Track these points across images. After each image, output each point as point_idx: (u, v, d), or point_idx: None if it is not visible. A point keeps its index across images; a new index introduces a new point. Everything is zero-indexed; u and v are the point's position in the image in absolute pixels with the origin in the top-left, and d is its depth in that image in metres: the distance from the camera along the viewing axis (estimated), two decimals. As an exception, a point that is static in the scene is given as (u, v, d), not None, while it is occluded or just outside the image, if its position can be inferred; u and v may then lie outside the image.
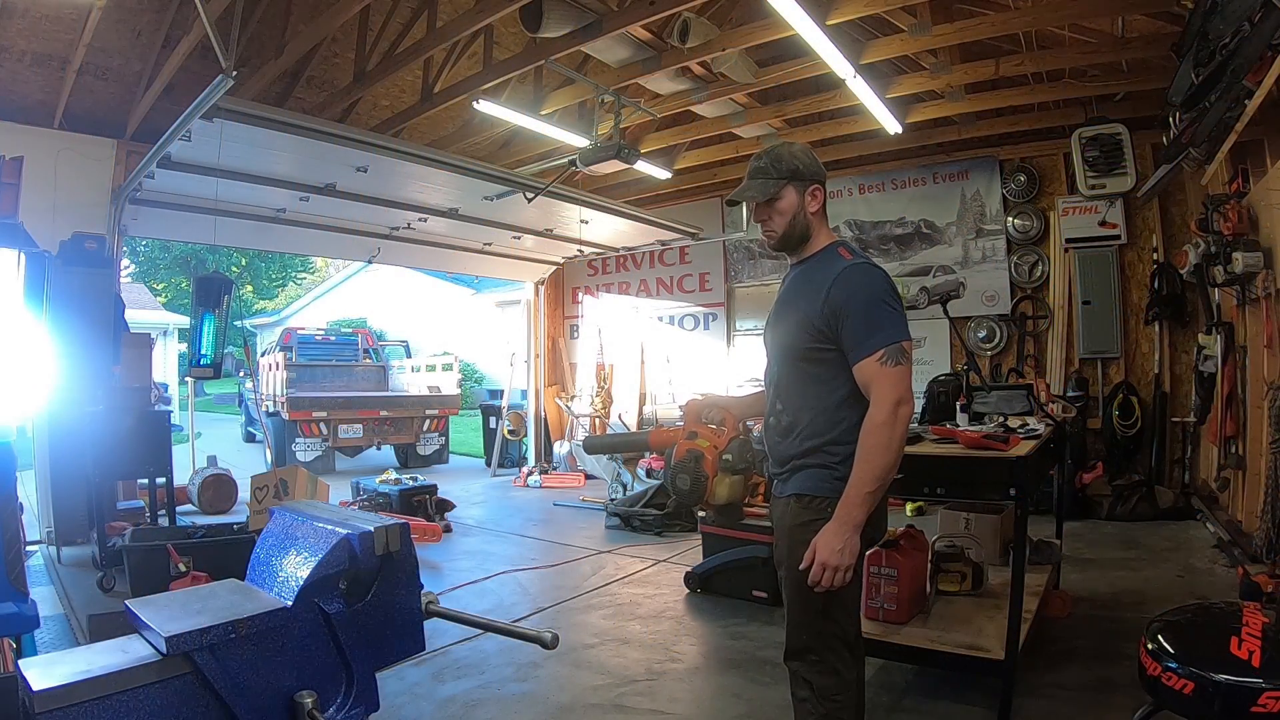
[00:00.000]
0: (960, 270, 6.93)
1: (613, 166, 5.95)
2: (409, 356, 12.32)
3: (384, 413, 9.58)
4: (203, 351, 5.43)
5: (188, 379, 11.44)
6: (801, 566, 1.72)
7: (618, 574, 4.63)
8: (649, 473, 6.81)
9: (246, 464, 8.39)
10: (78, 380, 4.93)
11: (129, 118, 5.70)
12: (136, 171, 5.11)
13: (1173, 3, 4.12)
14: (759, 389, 2.19)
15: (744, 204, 2.00)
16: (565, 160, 6.27)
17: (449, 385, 10.27)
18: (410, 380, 11.04)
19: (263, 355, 11.14)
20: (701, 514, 4.22)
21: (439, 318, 18.36)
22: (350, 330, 14.37)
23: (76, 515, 4.99)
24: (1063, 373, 6.49)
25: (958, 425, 3.02)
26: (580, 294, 9.73)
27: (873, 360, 1.72)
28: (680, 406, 2.34)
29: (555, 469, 8.72)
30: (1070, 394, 6.16)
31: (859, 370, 1.75)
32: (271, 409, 9.46)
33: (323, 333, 13.51)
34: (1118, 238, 6.25)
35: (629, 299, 9.29)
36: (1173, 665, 1.65)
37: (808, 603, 1.76)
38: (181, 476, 6.15)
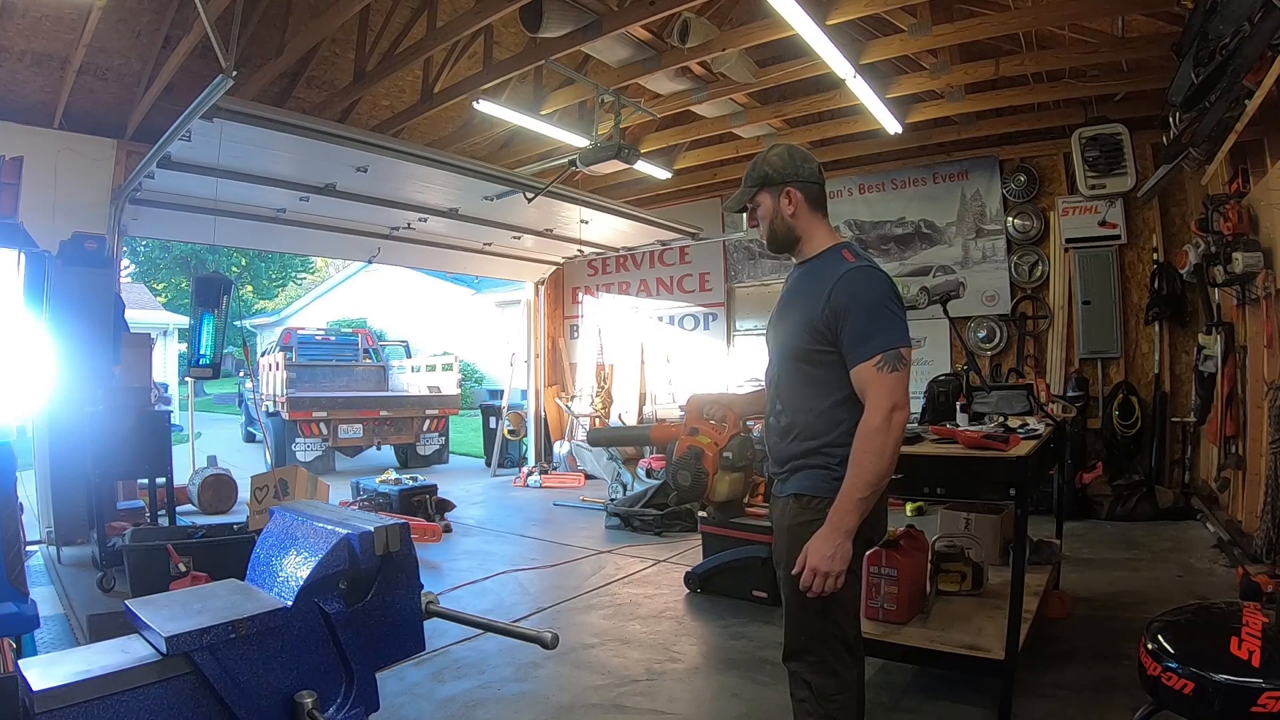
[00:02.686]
0: (960, 270, 6.93)
1: (613, 166, 5.95)
2: (409, 356, 12.32)
3: (384, 413, 9.58)
4: (202, 351, 5.42)
5: (188, 379, 11.45)
6: (793, 571, 1.72)
7: (618, 574, 4.63)
8: (649, 473, 6.81)
9: (246, 464, 8.39)
10: (78, 380, 4.93)
11: (129, 118, 5.70)
12: (136, 171, 5.11)
13: (1173, 3, 4.12)
14: (761, 388, 2.18)
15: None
16: (565, 160, 6.27)
17: (449, 385, 10.27)
18: (410, 380, 11.04)
19: (263, 355, 11.14)
20: (702, 513, 4.23)
21: (439, 318, 18.36)
22: (350, 330, 14.37)
23: (76, 515, 4.99)
24: (1063, 373, 6.49)
25: (958, 425, 3.02)
26: (580, 294, 9.74)
27: (869, 365, 1.71)
28: (681, 407, 2.33)
29: (555, 469, 8.72)
30: (1070, 394, 6.16)
31: (855, 375, 1.74)
32: (271, 409, 9.46)
33: (323, 333, 13.50)
34: (1118, 238, 6.25)
35: (629, 299, 9.29)
36: (1173, 665, 1.65)
37: (805, 603, 1.76)
38: (181, 476, 6.15)
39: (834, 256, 1.85)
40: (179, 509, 5.40)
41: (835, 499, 1.71)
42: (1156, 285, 5.99)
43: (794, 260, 1.97)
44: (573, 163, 5.90)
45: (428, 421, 9.89)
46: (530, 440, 9.48)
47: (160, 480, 4.92)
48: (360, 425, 9.35)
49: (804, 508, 1.81)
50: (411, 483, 6.20)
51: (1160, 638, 1.74)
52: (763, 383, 2.07)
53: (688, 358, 8.81)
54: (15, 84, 5.29)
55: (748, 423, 2.27)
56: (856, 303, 1.73)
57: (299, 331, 12.67)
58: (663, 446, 2.28)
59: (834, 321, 1.75)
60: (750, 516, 4.03)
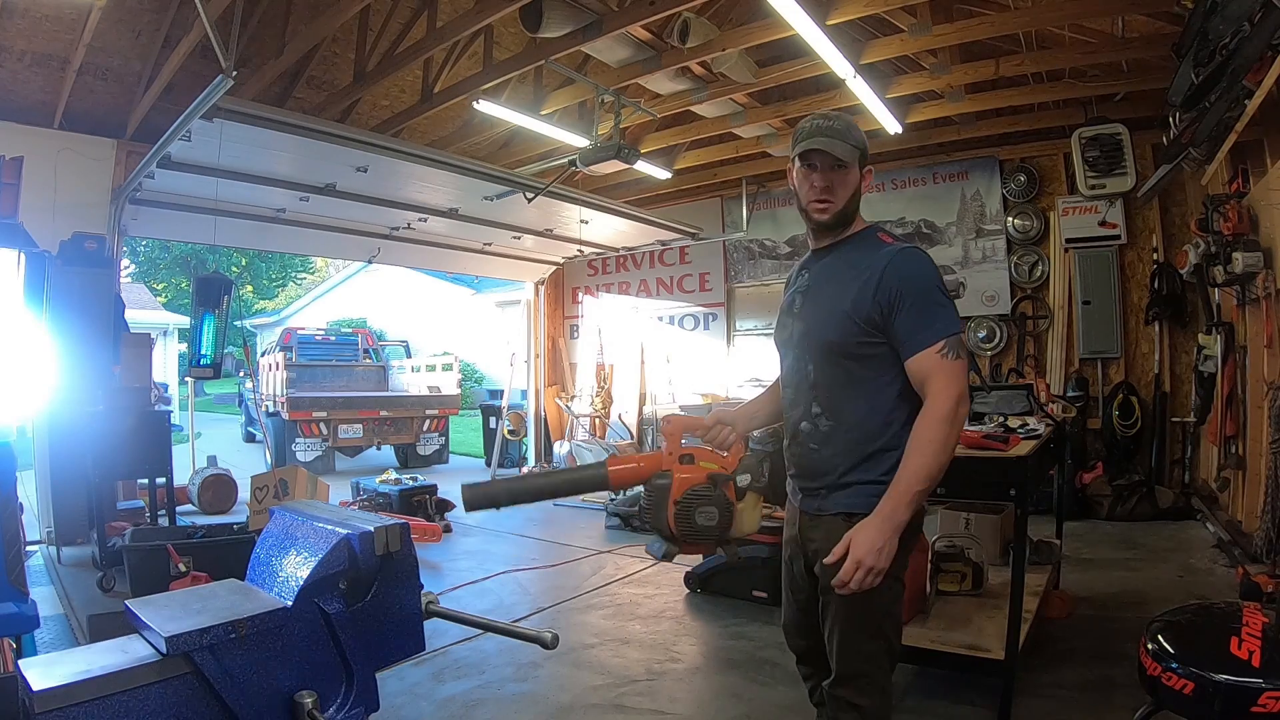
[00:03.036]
0: (960, 270, 6.93)
1: (613, 166, 5.96)
2: (409, 356, 12.32)
3: (384, 413, 9.58)
4: (203, 351, 5.43)
5: (188, 379, 11.45)
6: (829, 561, 1.53)
7: (618, 574, 4.63)
8: (649, 473, 6.79)
9: (246, 464, 8.39)
10: (78, 380, 4.93)
11: (129, 118, 5.70)
12: (136, 171, 5.11)
13: (1173, 3, 4.12)
14: (760, 392, 2.02)
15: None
16: (565, 160, 6.27)
17: (449, 385, 10.27)
18: (410, 380, 11.05)
19: (263, 355, 11.15)
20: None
21: (439, 318, 18.37)
22: (350, 330, 14.38)
23: (76, 515, 4.99)
24: (1063, 373, 6.49)
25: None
26: (580, 294, 9.73)
27: (933, 352, 1.55)
28: (663, 420, 1.70)
29: (555, 469, 8.71)
30: (1070, 394, 6.16)
31: (917, 362, 1.57)
32: (271, 409, 9.46)
33: (323, 333, 13.51)
34: (1118, 238, 6.25)
35: (629, 299, 9.29)
36: (1173, 665, 1.65)
37: (864, 624, 1.63)
38: (181, 476, 6.15)
39: (870, 239, 1.70)
40: (179, 509, 5.40)
41: (890, 491, 1.55)
42: (1156, 285, 5.99)
43: (811, 245, 1.81)
44: (573, 163, 5.90)
45: (428, 421, 9.89)
46: (530, 440, 9.48)
47: (160, 480, 4.93)
48: (360, 425, 9.35)
49: None
50: (411, 483, 6.20)
51: (1160, 638, 1.74)
52: (779, 384, 1.86)
53: (688, 358, 8.80)
54: (15, 84, 5.29)
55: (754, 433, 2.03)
56: (911, 286, 1.58)
57: (299, 331, 12.68)
58: (626, 487, 1.79)
59: (887, 308, 1.58)
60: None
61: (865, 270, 1.63)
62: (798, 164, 1.71)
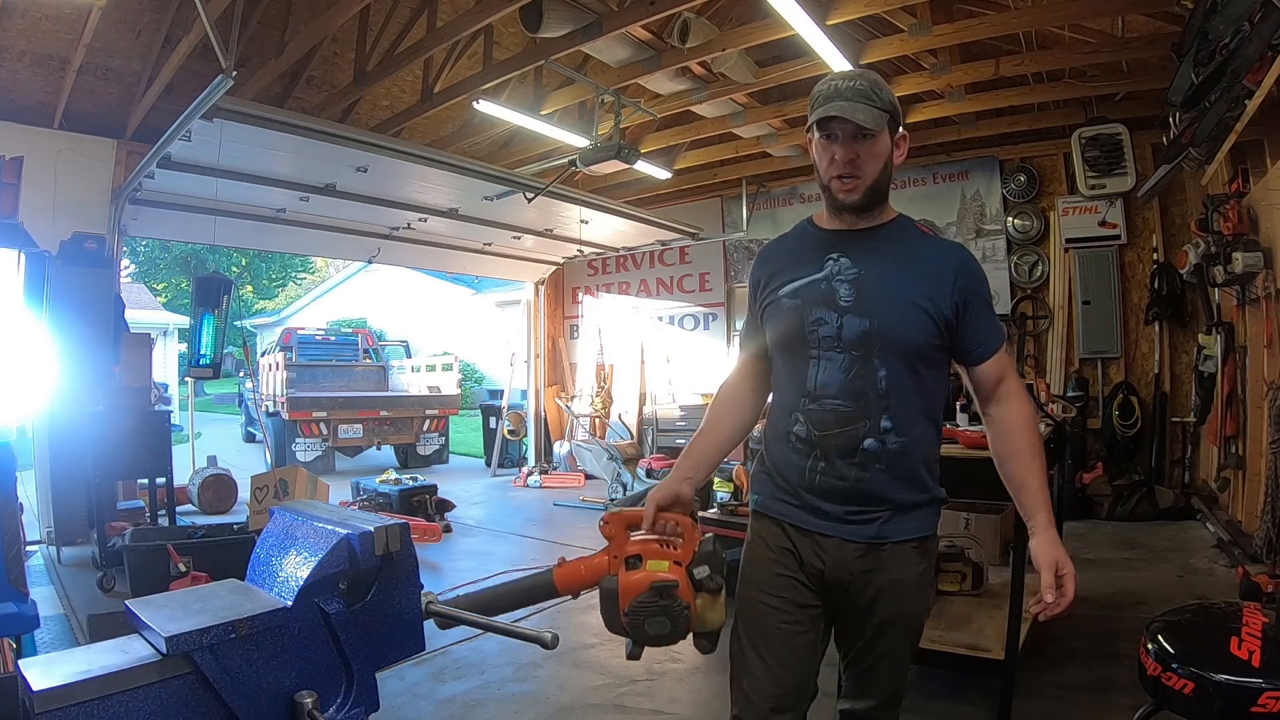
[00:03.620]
0: (960, 270, 6.92)
1: (613, 166, 5.95)
2: (409, 356, 12.32)
3: (384, 413, 9.58)
4: (202, 351, 5.44)
5: (188, 379, 11.45)
6: (1051, 598, 1.44)
7: (618, 574, 4.62)
8: (649, 473, 6.81)
9: (246, 464, 8.39)
10: (78, 380, 4.93)
11: (129, 118, 5.70)
12: (136, 171, 5.11)
13: (1173, 3, 4.12)
14: (702, 425, 1.78)
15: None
16: (565, 160, 6.27)
17: (449, 385, 10.27)
18: (410, 380, 11.05)
19: (263, 355, 11.15)
20: (704, 512, 4.12)
21: (439, 318, 18.36)
22: (350, 330, 14.38)
23: (76, 515, 4.99)
24: (1063, 373, 6.49)
25: (958, 425, 3.02)
26: (580, 294, 9.74)
27: (1004, 353, 1.53)
28: (601, 521, 1.60)
29: (555, 469, 8.72)
30: (1070, 394, 6.16)
31: (993, 365, 1.51)
32: (271, 409, 9.46)
33: (323, 333, 13.51)
34: (1118, 238, 6.25)
35: (629, 299, 9.30)
36: (1173, 665, 1.65)
37: (911, 647, 1.60)
38: (181, 476, 6.15)
39: (910, 228, 1.54)
40: (179, 509, 5.40)
41: (1038, 504, 1.47)
42: (1156, 285, 5.99)
43: (835, 225, 1.54)
44: (573, 163, 5.90)
45: (428, 421, 9.89)
46: (530, 440, 9.48)
47: (160, 480, 4.93)
48: (360, 425, 9.35)
49: (925, 554, 1.53)
50: (411, 483, 6.20)
51: (1160, 638, 1.74)
52: (713, 397, 1.67)
53: (688, 358, 8.81)
54: (15, 84, 5.29)
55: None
56: (981, 287, 1.53)
57: (299, 331, 12.68)
58: (576, 594, 1.56)
59: (962, 308, 1.47)
60: (746, 515, 4.00)
61: (931, 264, 1.48)
62: (815, 133, 1.45)
